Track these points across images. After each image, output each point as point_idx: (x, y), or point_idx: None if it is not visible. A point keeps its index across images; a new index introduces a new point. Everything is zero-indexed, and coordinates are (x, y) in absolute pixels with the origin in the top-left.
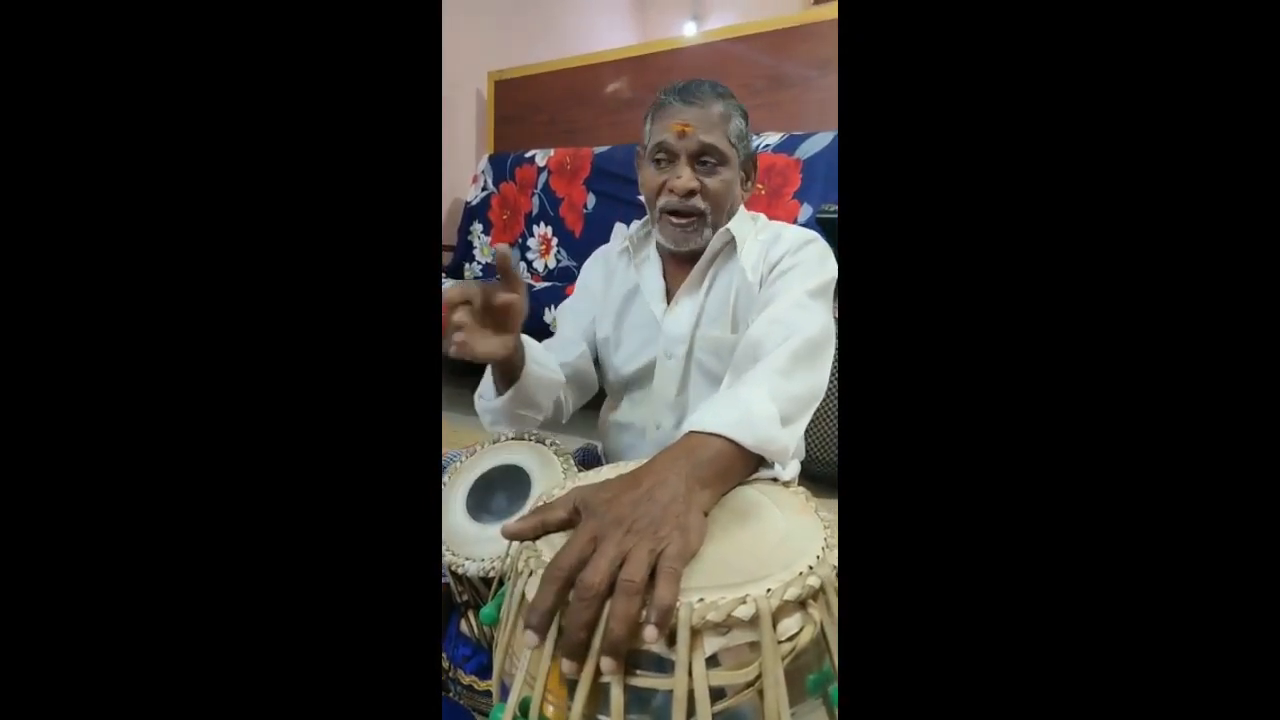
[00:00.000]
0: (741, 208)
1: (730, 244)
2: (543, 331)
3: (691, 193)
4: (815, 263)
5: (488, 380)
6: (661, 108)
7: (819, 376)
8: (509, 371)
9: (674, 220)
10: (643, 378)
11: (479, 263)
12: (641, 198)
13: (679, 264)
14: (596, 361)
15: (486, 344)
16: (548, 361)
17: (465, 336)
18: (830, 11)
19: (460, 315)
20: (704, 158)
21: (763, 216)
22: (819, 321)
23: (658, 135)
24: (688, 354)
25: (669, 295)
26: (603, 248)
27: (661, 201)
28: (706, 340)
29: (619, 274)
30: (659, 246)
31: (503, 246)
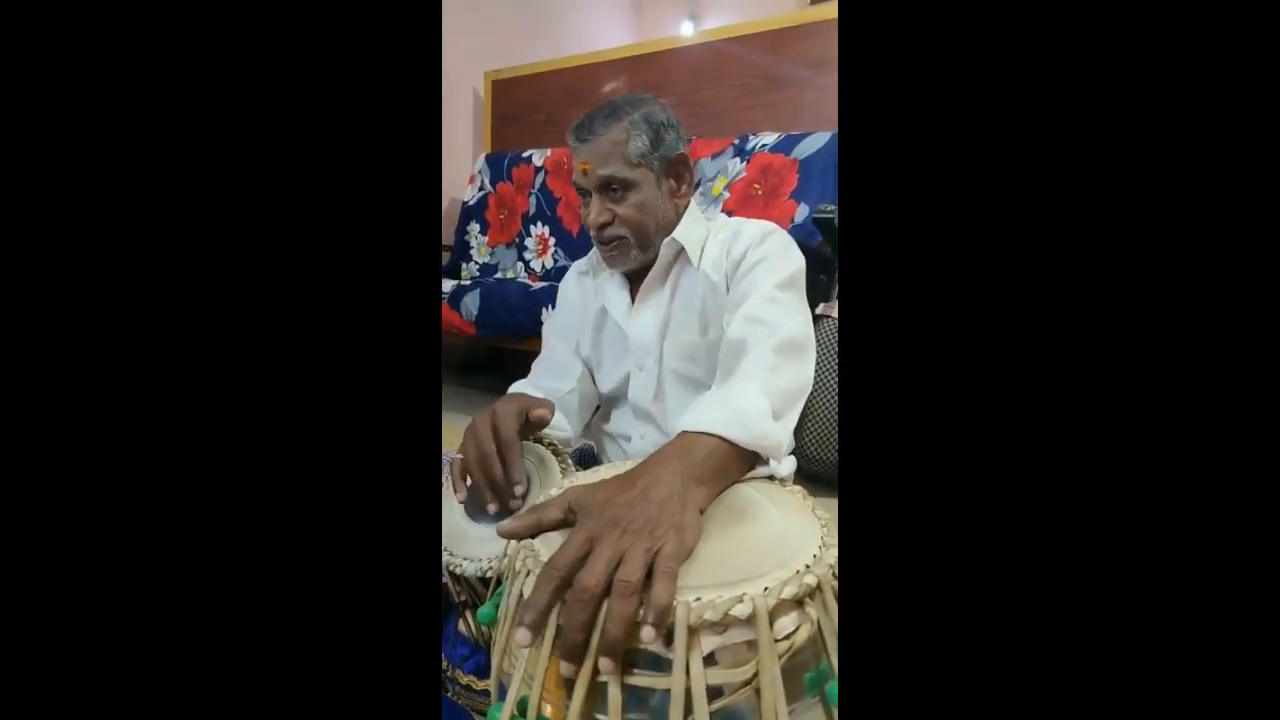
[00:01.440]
0: (693, 209)
1: (682, 252)
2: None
3: (603, 225)
4: (779, 254)
5: None
6: (571, 149)
7: (805, 369)
8: None
9: (601, 247)
10: (621, 390)
11: (475, 263)
12: None
13: (638, 277)
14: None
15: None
16: (560, 424)
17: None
18: (827, 11)
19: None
20: (610, 187)
21: (721, 215)
22: (795, 314)
23: (575, 176)
24: (659, 363)
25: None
26: (573, 267)
27: (591, 234)
28: (677, 346)
29: (589, 296)
30: None
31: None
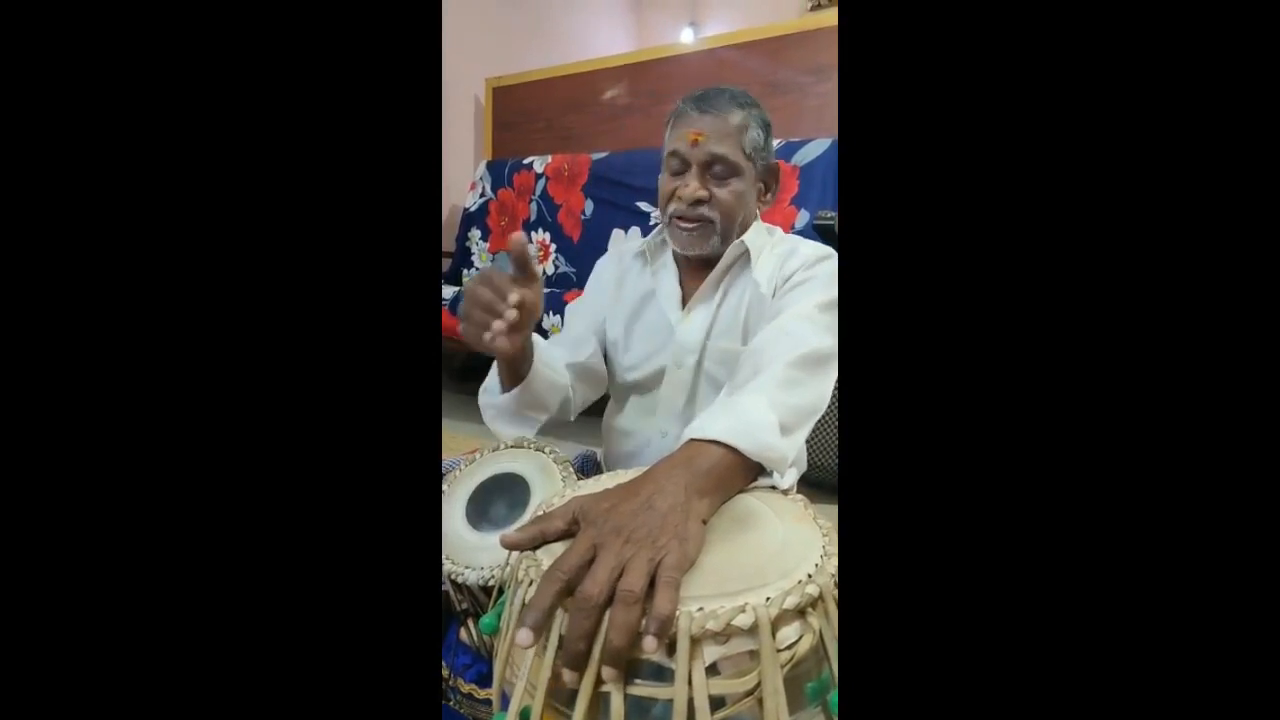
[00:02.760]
0: (758, 220)
1: (745, 255)
2: (541, 338)
3: (699, 202)
4: (828, 279)
5: (493, 376)
6: (679, 115)
7: (821, 388)
8: (517, 369)
9: (681, 224)
10: (649, 384)
11: (477, 269)
12: (639, 204)
13: (694, 272)
14: (606, 359)
15: (502, 339)
16: (555, 363)
17: (499, 329)
18: (826, 18)
19: (504, 306)
20: (715, 167)
21: (779, 230)
22: (824, 334)
23: (673, 143)
24: (697, 364)
25: (684, 303)
26: (618, 247)
27: (671, 208)
28: (717, 351)
29: (633, 277)
30: (675, 255)
31: (518, 235)
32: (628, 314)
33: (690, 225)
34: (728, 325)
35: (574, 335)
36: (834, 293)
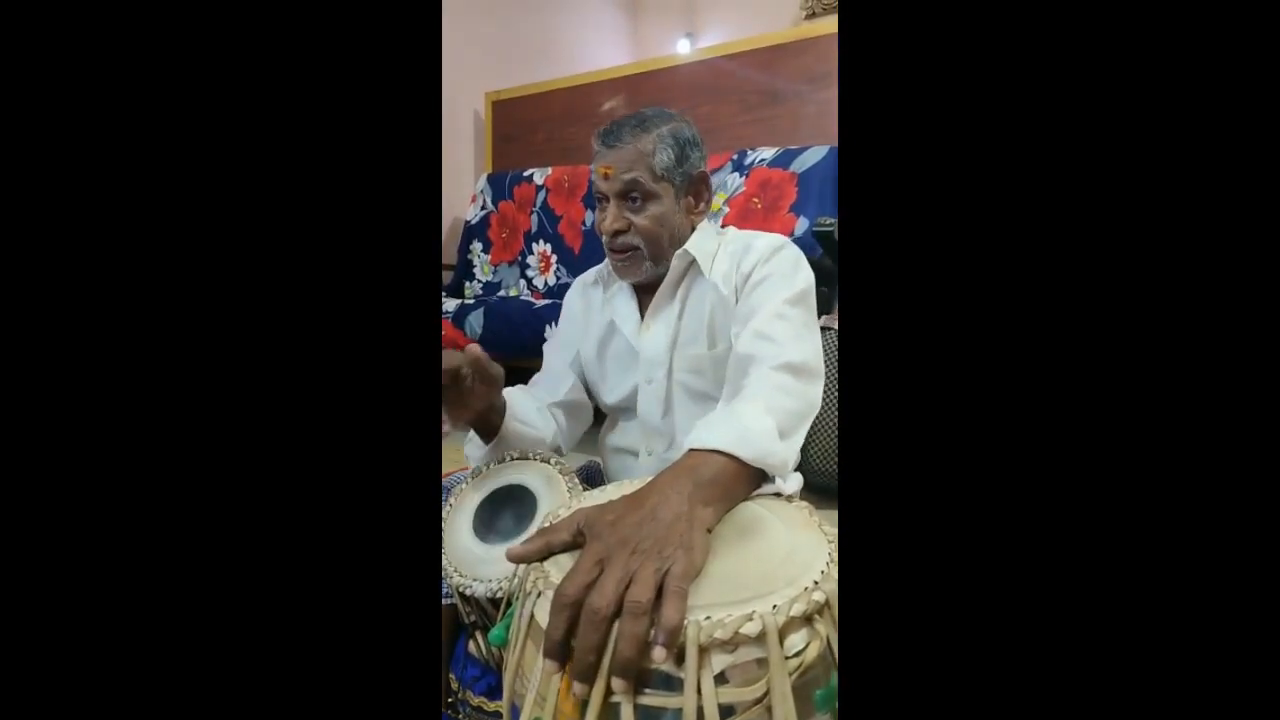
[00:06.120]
0: (705, 224)
1: (693, 264)
2: (517, 390)
3: (618, 232)
4: (789, 270)
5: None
6: (594, 153)
7: (811, 388)
8: (486, 426)
9: (613, 257)
10: (630, 405)
11: (479, 281)
12: None
13: (649, 289)
14: (589, 389)
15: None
16: (528, 415)
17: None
18: (822, 27)
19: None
20: (630, 195)
21: (731, 229)
22: (803, 332)
23: (593, 180)
24: (668, 376)
25: (642, 320)
26: (579, 278)
27: (603, 240)
28: (685, 359)
29: (595, 307)
30: None
31: (474, 348)
32: (597, 343)
33: (619, 256)
34: (693, 333)
35: (551, 373)
36: (800, 284)
